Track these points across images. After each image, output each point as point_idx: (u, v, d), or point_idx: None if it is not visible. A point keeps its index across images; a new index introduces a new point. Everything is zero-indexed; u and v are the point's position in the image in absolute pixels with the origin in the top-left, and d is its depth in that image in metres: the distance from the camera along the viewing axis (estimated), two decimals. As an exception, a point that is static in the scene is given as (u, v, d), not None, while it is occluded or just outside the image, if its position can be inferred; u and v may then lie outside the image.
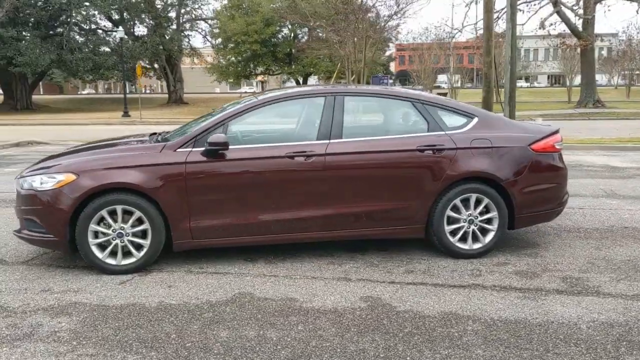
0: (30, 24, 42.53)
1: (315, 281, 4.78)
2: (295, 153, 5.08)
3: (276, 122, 5.98)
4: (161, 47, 47.40)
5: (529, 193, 5.41)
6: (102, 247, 4.98)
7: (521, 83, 77.91)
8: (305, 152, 5.09)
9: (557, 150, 5.54)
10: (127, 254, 5.02)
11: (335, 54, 34.55)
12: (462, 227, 5.33)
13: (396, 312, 4.11)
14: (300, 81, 49.34)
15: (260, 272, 5.02)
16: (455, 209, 5.29)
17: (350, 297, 4.42)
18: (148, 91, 79.33)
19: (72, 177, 4.89)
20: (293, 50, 41.19)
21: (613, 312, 4.09)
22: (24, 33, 40.98)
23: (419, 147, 5.23)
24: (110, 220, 4.94)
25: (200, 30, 53.81)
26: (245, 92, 52.62)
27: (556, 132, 5.63)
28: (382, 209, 5.23)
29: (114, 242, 4.97)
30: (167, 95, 53.43)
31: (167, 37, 48.80)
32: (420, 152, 5.22)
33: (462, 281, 4.76)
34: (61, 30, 44.43)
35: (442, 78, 48.77)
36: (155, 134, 5.90)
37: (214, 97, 47.06)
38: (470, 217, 5.32)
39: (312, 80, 51.40)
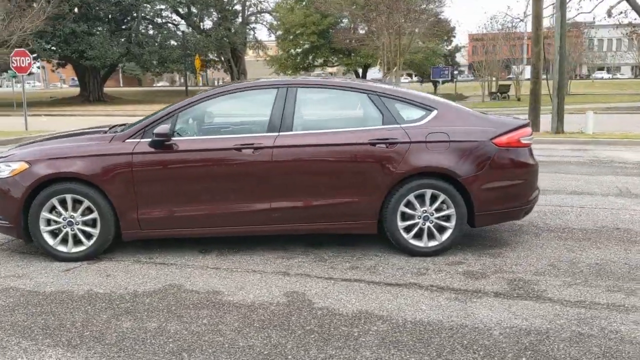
0: (101, 19, 44.23)
1: (252, 275, 4.73)
2: (242, 145, 5.04)
3: (245, 114, 5.94)
4: (226, 40, 48.23)
5: (490, 190, 5.14)
6: (54, 234, 5.11)
7: (602, 74, 74.48)
8: (252, 144, 5.04)
9: (523, 145, 5.23)
10: (77, 242, 5.13)
11: (373, 45, 33.91)
12: (417, 223, 5.13)
13: (310, 309, 4.01)
14: (360, 73, 49.07)
15: (205, 264, 5.01)
16: (410, 205, 5.10)
17: (276, 292, 4.34)
18: (214, 83, 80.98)
19: (25, 165, 5.04)
20: (352, 41, 40.94)
21: (540, 319, 3.82)
22: (97, 29, 42.63)
23: (370, 141, 5.07)
24: (60, 209, 5.06)
25: (264, 23, 54.51)
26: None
27: (523, 126, 5.32)
28: (332, 204, 5.10)
29: (64, 230, 5.09)
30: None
31: (232, 31, 49.67)
32: (372, 145, 5.05)
33: (401, 280, 4.59)
34: (130, 24, 46.08)
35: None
36: (121, 125, 5.98)
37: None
38: (425, 214, 5.11)
39: (373, 72, 50.99)
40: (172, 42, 46.80)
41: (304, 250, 5.35)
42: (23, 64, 19.71)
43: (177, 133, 5.16)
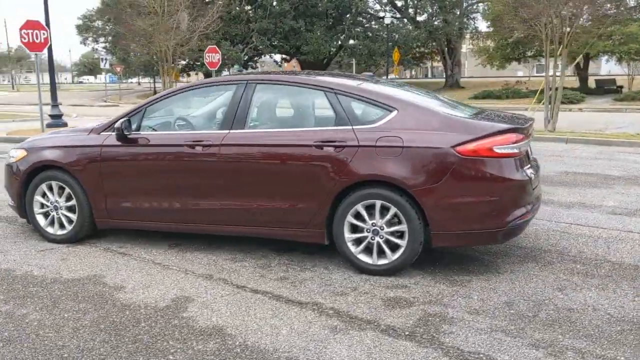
0: (319, 16, 46.46)
1: (178, 274, 4.65)
2: (194, 142, 4.97)
3: (205, 111, 5.80)
4: (440, 32, 47.30)
5: (450, 206, 4.38)
6: (46, 216, 5.59)
7: None
8: (202, 141, 4.95)
9: (497, 155, 4.33)
10: (62, 225, 5.54)
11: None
12: (366, 237, 4.59)
13: (173, 317, 3.82)
14: (581, 64, 44.43)
15: (154, 258, 5.05)
16: (359, 216, 4.57)
17: (171, 295, 4.21)
18: (427, 75, 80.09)
19: (24, 153, 5.59)
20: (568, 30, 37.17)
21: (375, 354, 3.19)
22: (314, 25, 44.97)
23: (316, 143, 4.63)
24: (49, 194, 5.51)
25: (479, 13, 52.19)
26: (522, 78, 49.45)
27: (502, 132, 4.40)
28: (277, 208, 4.79)
29: (52, 214, 5.54)
30: (444, 80, 53.42)
31: (446, 22, 48.57)
32: (319, 148, 4.62)
33: (308, 297, 4.14)
34: (345, 19, 47.71)
35: None
36: None
37: (490, 81, 45.27)
38: (374, 227, 4.54)
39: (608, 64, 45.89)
40: (383, 34, 47.37)
41: (262, 255, 5.10)
42: (213, 59, 21.72)
43: (151, 128, 5.28)
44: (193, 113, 5.67)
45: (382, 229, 4.50)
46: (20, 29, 14.20)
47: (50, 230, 5.55)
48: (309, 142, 4.64)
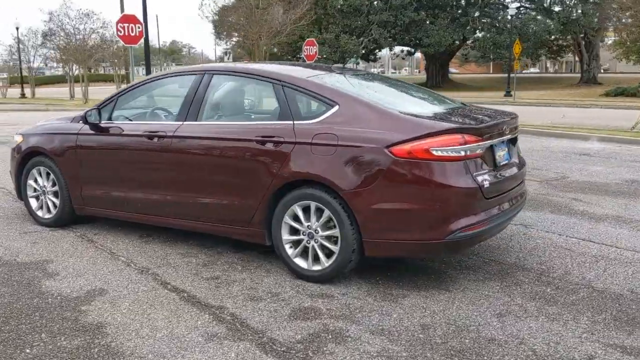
0: (442, 7, 45.13)
1: (113, 264, 4.61)
2: (152, 133, 4.92)
3: (169, 101, 5.66)
4: (577, 23, 43.98)
5: (383, 212, 3.95)
6: (37, 199, 5.83)
7: None
8: (158, 132, 4.88)
9: (433, 157, 3.83)
10: (48, 209, 5.74)
11: None
12: (302, 240, 4.28)
13: (67, 305, 3.81)
14: None
15: (113, 247, 5.06)
16: (298, 217, 4.28)
17: (91, 286, 4.16)
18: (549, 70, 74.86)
19: (21, 138, 5.86)
20: None
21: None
22: (437, 17, 43.79)
23: (256, 137, 4.39)
24: (39, 179, 5.74)
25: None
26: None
27: (442, 132, 3.88)
28: (221, 204, 4.61)
29: (40, 198, 5.77)
30: (579, 75, 49.94)
31: (583, 13, 45.11)
32: (259, 143, 4.37)
33: (217, 301, 3.91)
34: (470, 10, 45.92)
35: None
36: None
37: (632, 77, 41.50)
38: (309, 230, 4.22)
39: None
40: (509, 26, 44.98)
41: (223, 251, 4.94)
42: (310, 52, 21.85)
43: (123, 117, 5.31)
44: (160, 103, 5.63)
45: (317, 233, 4.18)
46: (117, 23, 15.07)
47: (39, 213, 5.77)
48: (251, 136, 4.40)
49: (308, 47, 21.70)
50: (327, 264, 4.15)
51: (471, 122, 4.11)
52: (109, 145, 5.17)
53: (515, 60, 34.21)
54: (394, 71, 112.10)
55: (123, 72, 39.71)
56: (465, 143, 3.86)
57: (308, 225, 4.20)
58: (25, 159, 5.76)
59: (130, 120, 5.25)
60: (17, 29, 41.76)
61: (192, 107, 4.77)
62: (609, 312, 3.73)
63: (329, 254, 4.16)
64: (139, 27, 15.21)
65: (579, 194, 7.12)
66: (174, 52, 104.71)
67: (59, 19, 31.23)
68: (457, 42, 43.89)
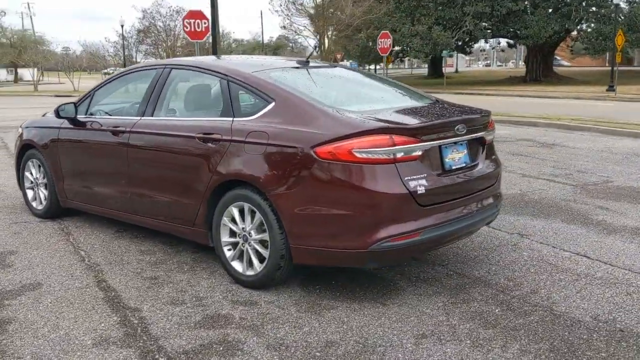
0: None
1: (69, 259, 4.62)
2: (115, 128, 4.89)
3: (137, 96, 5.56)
4: None
5: (308, 217, 3.68)
6: (33, 191, 6.00)
7: None
8: (119, 127, 4.85)
9: (356, 159, 3.49)
10: (40, 201, 5.90)
11: None
12: (238, 243, 4.10)
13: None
14: None
15: (81, 242, 5.10)
16: (234, 219, 4.09)
17: (30, 279, 4.21)
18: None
19: (20, 131, 6.06)
20: None
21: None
22: (536, 7, 41.64)
23: (198, 134, 4.23)
24: (33, 171, 5.91)
25: None
26: None
27: (367, 132, 3.53)
28: (169, 202, 4.50)
29: (34, 190, 5.94)
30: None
31: None
32: (201, 140, 4.21)
33: (138, 303, 3.80)
34: (572, 0, 43.25)
35: None
36: None
37: None
38: (244, 233, 4.03)
39: None
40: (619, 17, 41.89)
41: (182, 250, 4.84)
42: (385, 45, 21.39)
43: (100, 112, 5.33)
44: (134, 97, 5.58)
45: (251, 236, 3.97)
46: (184, 19, 15.44)
47: (34, 204, 5.95)
48: (193, 133, 4.26)
49: (382, 39, 21.27)
50: (259, 270, 3.94)
51: (411, 121, 3.72)
52: (82, 139, 5.21)
53: (618, 52, 31.70)
54: (500, 64, 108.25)
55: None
56: (394, 144, 3.50)
57: (243, 228, 4.00)
58: (22, 152, 5.95)
59: (107, 114, 5.25)
60: (122, 26, 44.21)
61: (149, 102, 4.70)
62: (550, 341, 3.26)
63: (262, 259, 3.94)
64: (204, 23, 15.48)
65: (609, 202, 6.40)
66: (279, 47, 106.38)
67: (151, 15, 32.61)
68: (560, 34, 41.30)
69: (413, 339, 3.29)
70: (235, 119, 4.07)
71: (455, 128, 3.86)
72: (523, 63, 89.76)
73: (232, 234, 4.10)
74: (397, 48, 48.56)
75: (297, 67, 4.55)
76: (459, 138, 3.93)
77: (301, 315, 3.61)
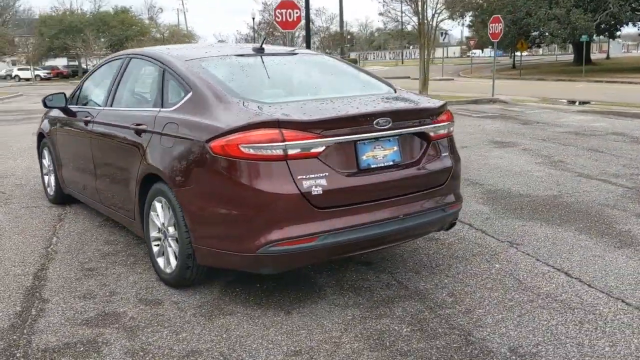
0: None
1: (35, 251, 4.77)
2: (85, 118, 4.96)
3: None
4: None
5: (204, 217, 3.47)
6: (47, 176, 6.28)
7: None
8: (87, 117, 4.90)
9: (243, 155, 3.19)
10: (52, 188, 6.15)
11: None
12: (161, 239, 3.97)
13: None
14: None
15: (62, 228, 5.26)
16: (159, 213, 3.97)
17: (-13, 264, 4.42)
18: None
19: (42, 119, 6.35)
20: None
21: None
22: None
23: (131, 125, 4.14)
24: (47, 158, 6.17)
25: None
26: None
27: (253, 126, 3.20)
28: (117, 192, 4.49)
29: (48, 176, 6.21)
30: None
31: None
32: (135, 132, 4.11)
33: (53, 295, 3.84)
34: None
35: None
36: None
37: None
38: (164, 229, 3.90)
39: None
40: None
41: (140, 243, 4.84)
42: (496, 30, 20.09)
43: (87, 101, 5.43)
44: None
45: (168, 232, 3.83)
46: (275, 9, 15.52)
47: (48, 190, 6.24)
48: (129, 123, 4.19)
49: (493, 24, 19.95)
50: (174, 268, 3.78)
51: (311, 115, 3.32)
52: (69, 129, 5.34)
53: None
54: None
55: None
56: (284, 140, 3.16)
57: (163, 224, 3.86)
58: (39, 140, 6.25)
59: (87, 104, 5.32)
60: (253, 19, 45.88)
61: (111, 91, 4.70)
62: (432, 373, 2.78)
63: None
64: (296, 13, 15.40)
65: (657, 208, 5.45)
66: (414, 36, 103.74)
67: (271, 7, 33.32)
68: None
69: (281, 355, 2.97)
70: (161, 109, 3.92)
71: (375, 122, 3.41)
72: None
73: (158, 229, 3.97)
74: (534, 33, 45.65)
75: (241, 55, 4.29)
76: (384, 133, 3.48)
77: (192, 319, 3.40)
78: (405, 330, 3.21)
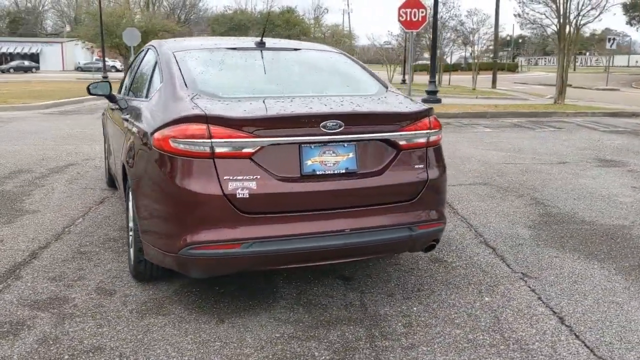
0: None
1: (43, 226, 5.01)
2: (122, 107, 5.09)
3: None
4: None
5: (146, 210, 3.39)
6: (109, 163, 6.62)
7: None
8: (124, 107, 5.02)
9: (173, 150, 3.03)
10: (107, 173, 6.46)
11: None
12: (132, 229, 3.96)
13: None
14: None
15: (97, 211, 5.49)
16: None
17: None
18: None
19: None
20: None
21: None
22: None
23: (122, 117, 4.19)
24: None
25: None
26: None
27: (183, 120, 3.03)
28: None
29: (106, 160, 6.54)
30: None
31: None
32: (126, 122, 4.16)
33: (23, 267, 3.99)
34: None
35: None
36: None
37: None
38: (132, 222, 3.88)
39: None
40: None
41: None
42: None
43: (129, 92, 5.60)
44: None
45: (132, 224, 3.81)
46: (399, 9, 15.13)
47: (105, 173, 6.56)
48: (125, 115, 4.23)
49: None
50: (131, 260, 3.76)
51: (247, 111, 3.07)
52: (110, 117, 5.54)
53: None
54: None
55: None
56: (210, 137, 2.98)
57: (132, 217, 3.84)
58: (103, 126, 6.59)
59: (125, 92, 5.46)
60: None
61: (133, 82, 4.80)
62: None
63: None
64: (422, 12, 15.00)
65: None
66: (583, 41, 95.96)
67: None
68: None
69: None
70: (147, 99, 3.90)
71: (322, 124, 3.10)
72: None
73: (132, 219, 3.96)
74: None
75: (234, 49, 4.12)
76: (336, 137, 3.15)
77: (125, 315, 3.34)
78: (324, 358, 2.87)
